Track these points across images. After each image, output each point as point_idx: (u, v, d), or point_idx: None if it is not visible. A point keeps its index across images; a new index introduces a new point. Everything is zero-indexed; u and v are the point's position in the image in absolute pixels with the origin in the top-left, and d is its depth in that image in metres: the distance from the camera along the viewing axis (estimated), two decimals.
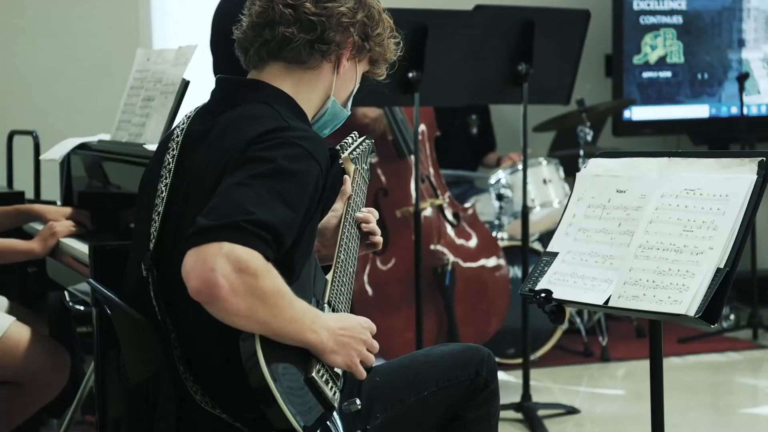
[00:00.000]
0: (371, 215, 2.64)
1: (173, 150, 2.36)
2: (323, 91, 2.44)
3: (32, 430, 3.91)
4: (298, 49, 2.37)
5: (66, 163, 3.97)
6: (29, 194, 4.58)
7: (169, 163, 2.35)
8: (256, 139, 2.19)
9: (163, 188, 2.33)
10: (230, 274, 2.00)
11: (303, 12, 2.36)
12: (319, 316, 2.17)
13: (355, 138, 2.74)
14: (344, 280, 2.43)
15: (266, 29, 2.37)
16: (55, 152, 3.96)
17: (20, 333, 3.40)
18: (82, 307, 3.77)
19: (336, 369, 2.23)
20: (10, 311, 3.59)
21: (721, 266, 2.25)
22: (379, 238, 2.65)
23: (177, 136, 2.39)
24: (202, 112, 2.42)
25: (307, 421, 2.10)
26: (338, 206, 2.61)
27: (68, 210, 3.61)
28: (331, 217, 2.59)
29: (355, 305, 2.39)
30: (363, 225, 2.61)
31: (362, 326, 2.26)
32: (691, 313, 2.23)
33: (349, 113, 2.55)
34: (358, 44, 2.44)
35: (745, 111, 6.45)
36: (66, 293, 3.77)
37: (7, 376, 3.42)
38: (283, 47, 2.37)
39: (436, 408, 2.53)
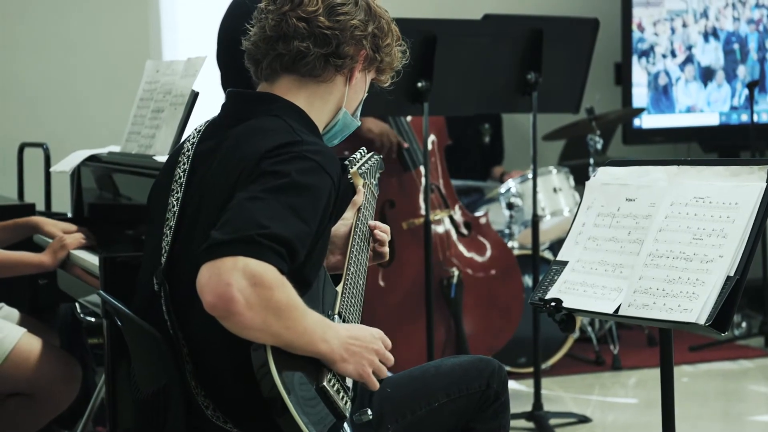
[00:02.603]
0: (384, 227, 2.66)
1: (184, 164, 2.37)
2: (335, 103, 2.44)
3: None
4: (313, 63, 2.37)
5: (76, 174, 3.98)
6: (40, 206, 4.58)
7: (180, 177, 2.35)
8: (268, 153, 2.19)
9: (175, 202, 2.33)
10: (246, 288, 2.01)
11: (317, 26, 2.36)
12: (331, 326, 2.18)
13: (363, 153, 2.75)
14: (354, 292, 2.43)
15: (280, 43, 2.37)
16: (65, 164, 3.97)
17: (31, 344, 3.40)
18: (93, 319, 3.78)
19: (347, 379, 2.23)
20: (22, 323, 3.59)
21: (731, 274, 2.24)
22: (385, 249, 2.66)
23: (188, 150, 2.39)
24: (212, 126, 2.42)
25: (319, 430, 2.11)
26: (348, 215, 2.62)
27: (65, 224, 3.62)
28: (339, 226, 2.60)
29: (363, 318, 2.41)
30: (376, 232, 2.62)
31: (374, 336, 2.26)
32: (702, 321, 2.22)
33: (360, 123, 2.55)
34: (370, 56, 2.44)
35: (755, 118, 6.44)
36: (77, 305, 3.78)
37: (19, 388, 3.42)
38: (297, 61, 2.37)
39: (447, 419, 2.52)
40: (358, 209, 2.61)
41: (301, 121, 2.34)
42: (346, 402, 2.21)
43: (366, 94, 2.53)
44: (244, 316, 2.02)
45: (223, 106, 2.45)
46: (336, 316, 2.32)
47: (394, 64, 2.52)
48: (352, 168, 2.65)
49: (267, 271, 2.03)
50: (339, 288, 2.40)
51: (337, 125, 2.47)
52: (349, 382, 2.25)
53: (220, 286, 2.01)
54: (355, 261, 2.49)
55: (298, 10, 2.36)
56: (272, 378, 2.07)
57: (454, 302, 5.08)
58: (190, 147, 2.39)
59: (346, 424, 2.20)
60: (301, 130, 2.29)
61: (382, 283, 5.06)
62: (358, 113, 2.53)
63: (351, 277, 2.45)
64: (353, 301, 2.42)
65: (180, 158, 2.39)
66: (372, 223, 2.63)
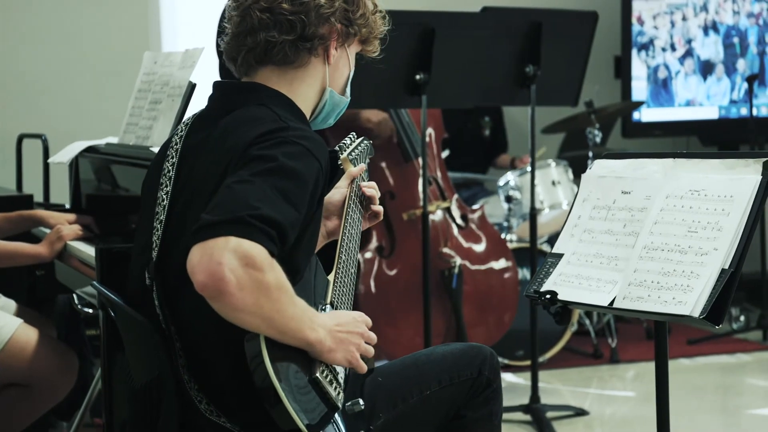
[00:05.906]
0: (373, 187, 2.66)
1: (173, 158, 2.36)
2: (319, 85, 2.44)
3: None
4: (283, 51, 2.36)
5: (74, 166, 3.98)
6: (38, 197, 4.59)
7: (168, 171, 2.35)
8: (256, 139, 2.19)
9: (164, 196, 2.33)
10: (237, 268, 1.99)
11: (280, 13, 2.35)
12: (317, 314, 2.18)
13: (353, 139, 2.74)
14: (346, 281, 2.43)
15: (248, 37, 2.37)
16: (63, 155, 3.98)
17: (28, 335, 3.41)
18: (90, 310, 3.79)
19: (338, 369, 2.23)
20: (18, 314, 3.60)
21: (726, 267, 2.24)
22: (379, 207, 2.66)
23: (176, 144, 2.39)
24: (200, 119, 2.42)
25: (311, 420, 2.10)
26: (342, 183, 2.61)
27: (72, 215, 3.62)
28: (334, 193, 2.59)
29: (361, 309, 2.40)
30: (365, 190, 2.62)
31: (356, 320, 2.26)
32: (696, 314, 2.22)
33: (349, 98, 2.53)
34: (343, 31, 2.43)
35: (754, 112, 6.44)
36: (75, 296, 3.78)
37: (16, 379, 3.43)
38: (268, 52, 2.37)
39: (438, 407, 2.53)
40: (349, 196, 2.60)
41: (287, 108, 2.34)
42: (339, 392, 2.21)
43: (353, 69, 2.52)
44: (235, 297, 2.00)
45: (210, 98, 2.45)
46: (328, 306, 2.31)
47: (376, 32, 2.50)
48: (342, 154, 2.64)
49: (259, 252, 2.01)
50: (330, 277, 2.39)
51: (326, 106, 2.47)
52: (340, 375, 2.25)
53: (211, 265, 1.98)
54: (346, 250, 2.48)
55: (261, 1, 2.36)
56: (265, 368, 2.06)
57: (455, 293, 5.08)
58: (178, 140, 2.39)
59: (338, 415, 2.21)
60: (288, 117, 2.28)
61: (382, 274, 5.06)
62: (348, 90, 2.52)
63: (342, 266, 2.44)
64: (345, 290, 2.41)
65: (168, 152, 2.39)
66: (365, 191, 2.63)
